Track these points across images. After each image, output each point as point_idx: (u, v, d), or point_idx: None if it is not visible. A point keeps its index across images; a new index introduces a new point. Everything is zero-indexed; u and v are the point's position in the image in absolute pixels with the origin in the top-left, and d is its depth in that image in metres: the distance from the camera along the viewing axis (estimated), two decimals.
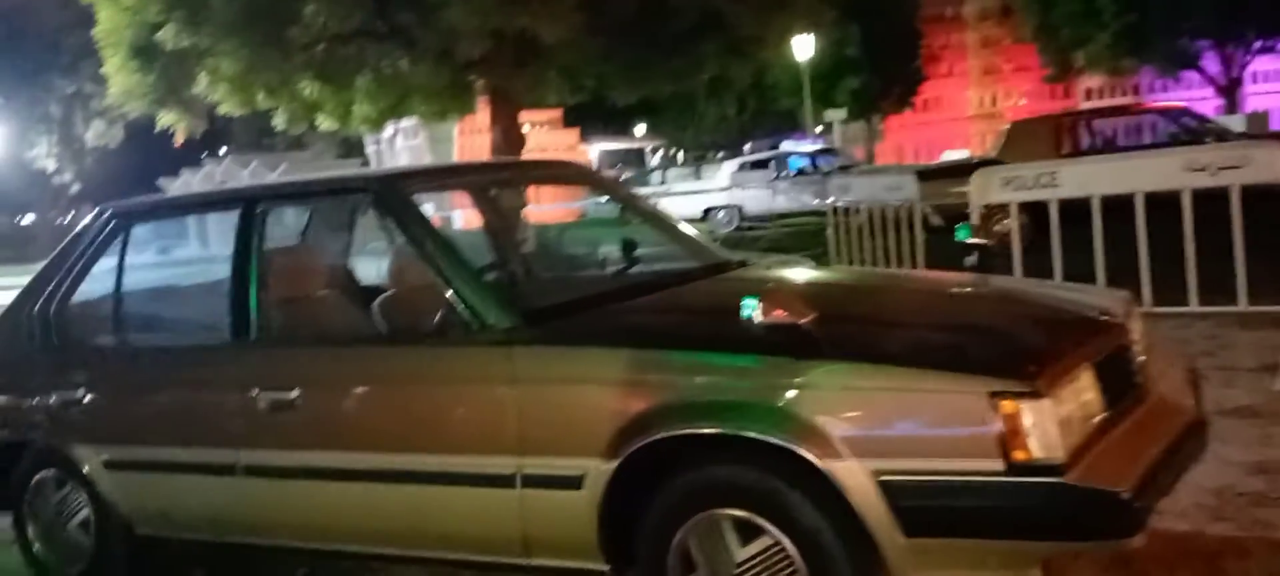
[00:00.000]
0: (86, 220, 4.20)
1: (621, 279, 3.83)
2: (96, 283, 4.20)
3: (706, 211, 21.63)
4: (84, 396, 3.94)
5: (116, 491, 3.95)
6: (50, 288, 4.15)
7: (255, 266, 3.70)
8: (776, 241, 16.02)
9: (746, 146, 35.92)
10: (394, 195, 3.51)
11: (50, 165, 39.55)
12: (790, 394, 2.76)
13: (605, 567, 3.12)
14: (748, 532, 2.86)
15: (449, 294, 3.29)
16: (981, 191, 6.84)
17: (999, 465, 2.59)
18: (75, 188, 41.02)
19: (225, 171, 36.15)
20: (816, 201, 15.35)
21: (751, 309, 2.81)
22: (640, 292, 3.65)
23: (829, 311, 2.95)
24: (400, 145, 38.70)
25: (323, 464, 3.44)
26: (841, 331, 2.94)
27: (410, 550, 3.46)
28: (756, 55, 16.05)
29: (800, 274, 3.78)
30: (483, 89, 14.69)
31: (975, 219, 6.73)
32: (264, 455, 3.56)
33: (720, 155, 42.87)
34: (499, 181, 4.20)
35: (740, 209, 21.35)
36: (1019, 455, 2.59)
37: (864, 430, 2.70)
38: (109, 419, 3.93)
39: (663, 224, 4.34)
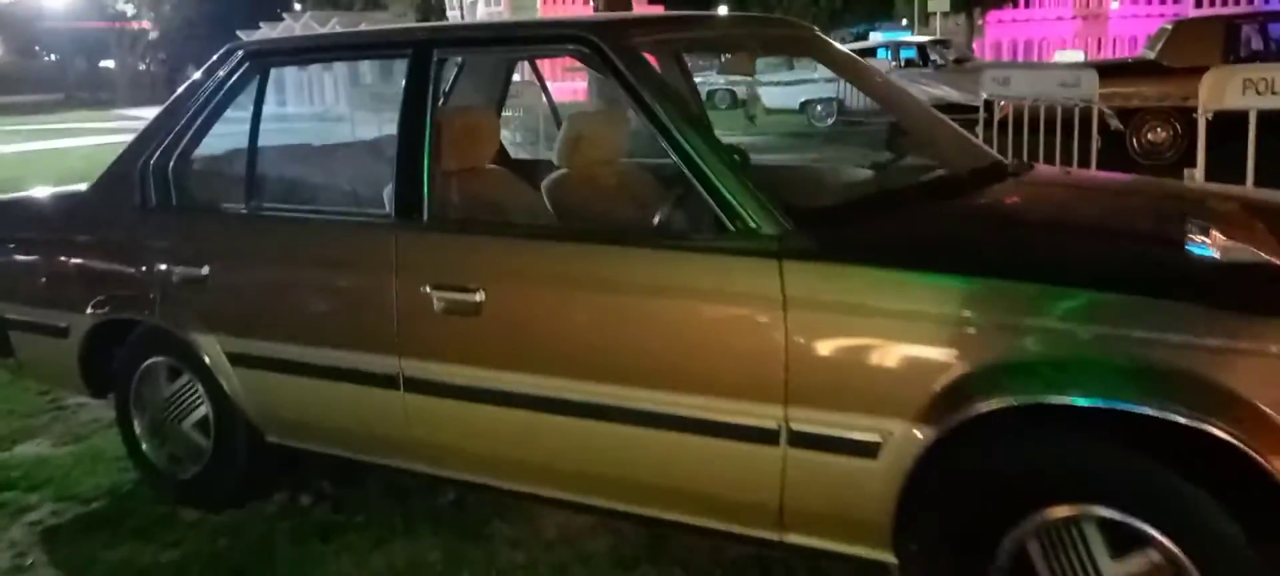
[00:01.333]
0: (213, 60, 3.44)
1: (891, 178, 2.99)
2: (224, 136, 3.47)
3: (804, 104, 20.43)
4: (208, 273, 3.24)
5: (244, 391, 3.27)
6: (168, 139, 3.42)
7: (429, 129, 2.93)
8: None
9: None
10: (621, 47, 2.70)
11: (129, 10, 39.17)
12: (1224, 362, 1.96)
13: (890, 560, 2.39)
14: (1123, 541, 2.09)
15: (699, 185, 2.51)
16: (1214, 95, 5.85)
17: None
18: (153, 34, 40.67)
19: (304, 28, 35.50)
20: (954, 94, 14.20)
21: (1196, 236, 1.99)
22: (927, 196, 2.84)
23: (1242, 243, 2.13)
24: (482, 11, 37.72)
25: (514, 388, 2.71)
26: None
27: (618, 503, 2.74)
28: None
29: (1139, 183, 2.93)
30: None
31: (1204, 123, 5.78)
32: (436, 369, 2.84)
33: None
34: (730, 40, 3.37)
35: (841, 102, 20.11)
36: None
37: None
38: (239, 303, 3.23)
39: (916, 110, 3.48)
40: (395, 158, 2.96)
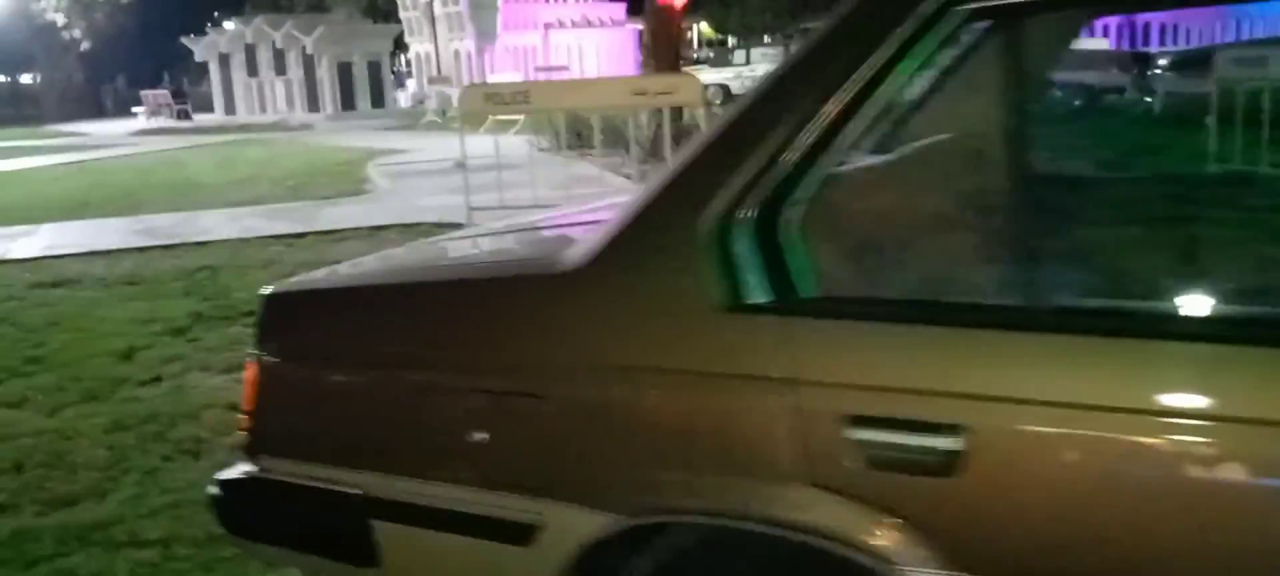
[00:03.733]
0: (852, 9, 1.75)
1: None
2: (902, 158, 1.82)
3: None
4: (965, 449, 1.55)
5: None
6: (774, 169, 1.72)
7: None
8: None
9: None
10: None
11: (59, 19, 36.26)
12: None
13: None
14: None
15: None
16: None
17: None
18: (85, 45, 37.76)
19: (254, 33, 33.26)
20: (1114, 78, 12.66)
21: None
22: None
23: None
24: (439, 11, 35.92)
25: None
26: None
27: None
28: None
29: None
30: None
31: None
32: None
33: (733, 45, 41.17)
34: None
35: None
36: None
37: None
38: (1007, 505, 1.55)
39: None
40: None
